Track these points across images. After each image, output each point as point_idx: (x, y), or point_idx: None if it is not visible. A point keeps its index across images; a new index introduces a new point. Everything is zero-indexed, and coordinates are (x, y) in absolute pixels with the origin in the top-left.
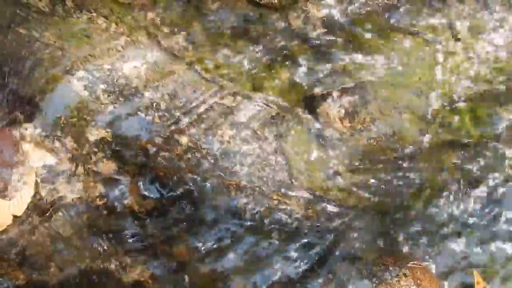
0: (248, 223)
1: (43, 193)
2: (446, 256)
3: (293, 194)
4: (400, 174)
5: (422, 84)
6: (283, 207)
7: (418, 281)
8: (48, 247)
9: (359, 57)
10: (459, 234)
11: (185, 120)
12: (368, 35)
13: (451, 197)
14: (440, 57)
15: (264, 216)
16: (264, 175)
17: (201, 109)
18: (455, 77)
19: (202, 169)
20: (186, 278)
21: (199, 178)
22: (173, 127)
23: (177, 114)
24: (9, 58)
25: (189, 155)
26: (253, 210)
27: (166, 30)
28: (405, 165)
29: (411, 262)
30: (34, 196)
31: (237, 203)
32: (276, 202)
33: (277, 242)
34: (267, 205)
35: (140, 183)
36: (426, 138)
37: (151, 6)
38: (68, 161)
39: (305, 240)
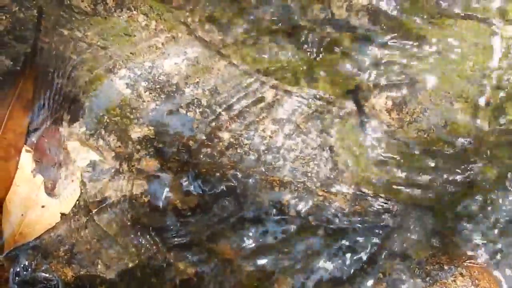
0: (293, 220)
1: (89, 191)
2: (507, 256)
3: (339, 189)
4: (453, 167)
5: (475, 71)
6: (329, 203)
7: (476, 281)
8: (95, 244)
9: (407, 45)
10: None
11: (227, 116)
12: (416, 22)
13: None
14: (495, 42)
15: (310, 212)
16: (308, 171)
17: (243, 104)
18: (511, 63)
19: (245, 165)
20: (231, 276)
21: (241, 174)
22: (214, 123)
23: (218, 110)
24: (54, 59)
25: (231, 151)
26: (297, 206)
27: (206, 25)
28: (458, 157)
29: (468, 261)
30: (80, 194)
31: (281, 199)
32: (321, 198)
33: (324, 240)
34: (312, 201)
35: (183, 180)
36: (481, 129)
37: (190, 2)
38: (112, 159)
39: (353, 238)
